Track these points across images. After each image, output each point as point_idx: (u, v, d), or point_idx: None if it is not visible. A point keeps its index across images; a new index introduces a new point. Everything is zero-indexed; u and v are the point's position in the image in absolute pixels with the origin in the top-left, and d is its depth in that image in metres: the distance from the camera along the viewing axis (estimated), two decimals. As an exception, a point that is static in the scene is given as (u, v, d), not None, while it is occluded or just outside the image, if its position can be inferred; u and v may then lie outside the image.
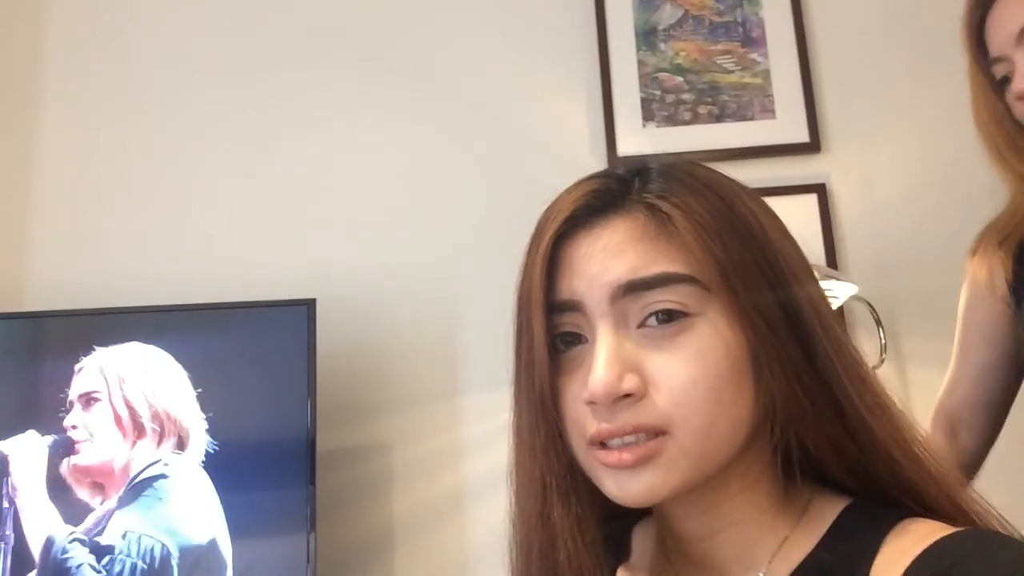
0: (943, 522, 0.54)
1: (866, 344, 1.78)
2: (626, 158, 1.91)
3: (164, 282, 1.88)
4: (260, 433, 1.64)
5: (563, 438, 0.58)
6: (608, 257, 0.57)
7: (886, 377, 1.75)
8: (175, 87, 2.05)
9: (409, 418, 1.83)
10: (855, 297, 1.69)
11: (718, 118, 1.95)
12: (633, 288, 0.56)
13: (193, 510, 1.57)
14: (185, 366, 1.65)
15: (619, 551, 0.68)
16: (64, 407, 1.61)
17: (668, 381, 0.55)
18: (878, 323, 1.72)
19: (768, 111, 1.94)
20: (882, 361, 1.71)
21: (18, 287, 1.93)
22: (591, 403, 0.55)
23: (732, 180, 0.61)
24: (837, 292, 1.63)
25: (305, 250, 1.93)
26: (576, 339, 0.59)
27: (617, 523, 0.68)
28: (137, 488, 1.57)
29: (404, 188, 1.97)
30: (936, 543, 0.50)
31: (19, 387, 1.67)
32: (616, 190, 0.60)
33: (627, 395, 0.54)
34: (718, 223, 0.56)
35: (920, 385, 1.78)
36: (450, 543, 1.76)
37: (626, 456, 0.54)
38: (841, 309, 1.76)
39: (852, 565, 0.53)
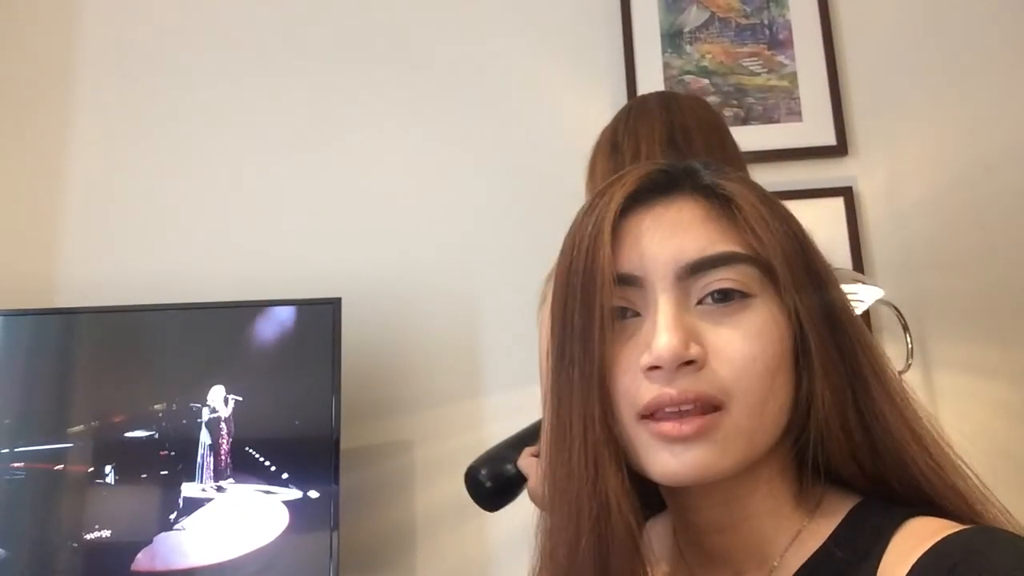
0: (954, 520, 0.54)
1: (892, 348, 1.77)
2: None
3: (192, 280, 1.90)
4: (284, 431, 1.66)
5: (614, 412, 0.58)
6: (675, 234, 0.58)
7: (912, 382, 1.73)
8: (207, 89, 2.07)
9: (432, 416, 1.84)
10: (881, 301, 1.68)
11: (744, 120, 1.94)
12: (700, 267, 0.57)
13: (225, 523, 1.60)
14: (212, 363, 1.68)
15: None
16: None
17: (729, 353, 0.55)
18: (905, 328, 1.71)
19: (795, 114, 1.94)
20: (908, 366, 1.70)
21: (50, 285, 1.97)
22: (654, 368, 0.55)
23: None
24: (864, 296, 1.62)
25: (330, 249, 1.95)
26: (625, 312, 0.59)
27: None
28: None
29: (429, 188, 1.98)
30: (942, 540, 0.50)
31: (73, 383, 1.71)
32: (678, 174, 0.62)
33: (689, 362, 0.55)
34: (771, 214, 0.59)
35: (947, 390, 1.77)
36: (472, 541, 1.76)
37: (686, 426, 0.54)
38: (867, 313, 1.75)
39: (861, 560, 0.54)
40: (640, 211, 0.60)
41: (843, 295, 0.60)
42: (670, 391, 0.55)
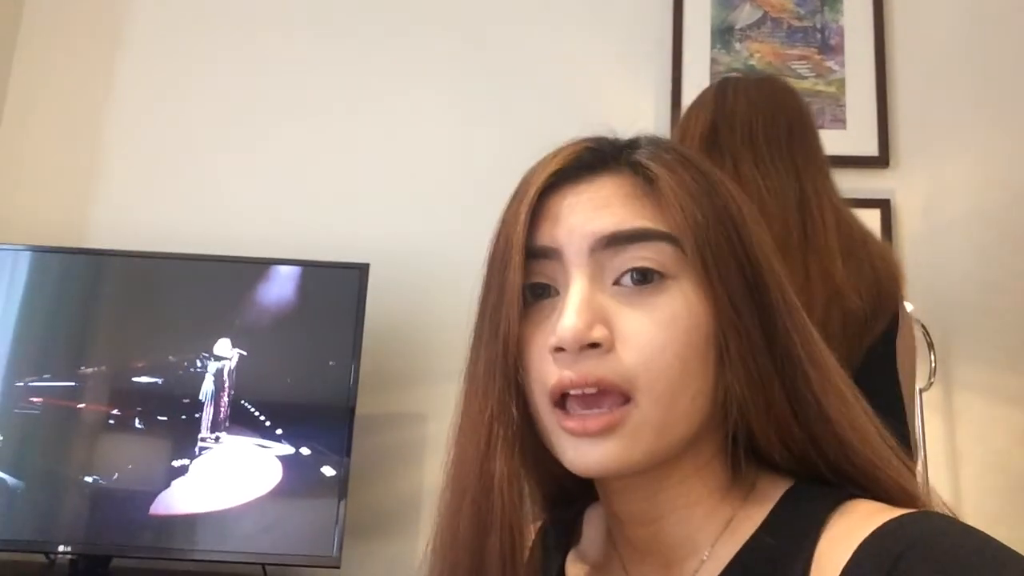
0: (887, 504, 0.53)
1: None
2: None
3: (223, 234, 1.91)
4: (300, 393, 1.66)
5: (520, 392, 0.58)
6: (593, 209, 0.57)
7: (933, 401, 1.72)
8: (251, 44, 2.08)
9: (448, 391, 1.82)
10: (909, 317, 1.66)
11: (787, 123, 1.92)
12: (614, 241, 0.56)
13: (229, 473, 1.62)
14: (232, 317, 1.69)
15: (570, 536, 0.68)
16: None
17: (637, 340, 0.54)
18: (930, 346, 1.69)
19: (839, 121, 1.91)
20: (930, 384, 1.68)
21: (83, 225, 1.99)
22: (558, 349, 0.54)
23: (714, 168, 0.62)
24: (891, 310, 1.61)
25: (359, 215, 1.95)
26: (545, 291, 0.58)
27: (570, 509, 0.68)
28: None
29: (465, 165, 1.98)
30: (884, 525, 0.49)
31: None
32: (607, 151, 0.60)
33: (594, 345, 0.54)
34: (700, 194, 0.57)
35: (967, 411, 1.75)
36: (477, 518, 1.77)
37: (591, 424, 0.53)
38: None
39: (795, 547, 0.53)
40: (564, 189, 0.59)
41: (781, 281, 0.58)
42: (571, 374, 0.54)
